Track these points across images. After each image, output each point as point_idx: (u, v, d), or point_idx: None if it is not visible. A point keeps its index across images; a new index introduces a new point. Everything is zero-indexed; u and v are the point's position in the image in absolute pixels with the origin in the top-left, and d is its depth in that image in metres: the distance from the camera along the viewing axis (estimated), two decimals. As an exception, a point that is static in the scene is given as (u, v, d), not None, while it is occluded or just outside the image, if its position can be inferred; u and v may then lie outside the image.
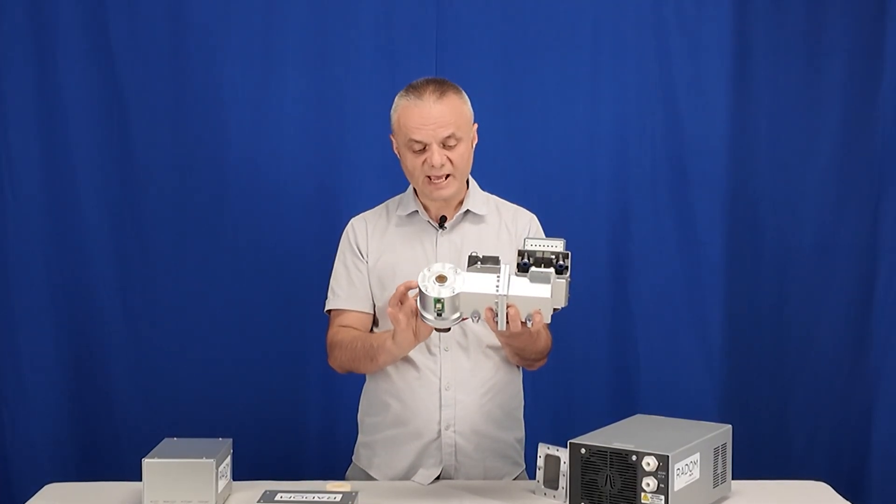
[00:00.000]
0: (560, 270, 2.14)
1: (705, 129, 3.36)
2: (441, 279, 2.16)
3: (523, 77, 3.34)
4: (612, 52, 3.35)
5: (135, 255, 3.31)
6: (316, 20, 3.30)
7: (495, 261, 2.17)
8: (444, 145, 2.40)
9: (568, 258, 2.15)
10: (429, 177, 2.43)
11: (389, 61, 3.29)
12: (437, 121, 2.39)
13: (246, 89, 3.30)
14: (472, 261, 2.18)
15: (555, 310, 2.17)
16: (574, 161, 3.36)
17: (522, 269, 2.15)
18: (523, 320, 2.15)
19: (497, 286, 2.13)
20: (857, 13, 3.32)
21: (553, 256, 2.15)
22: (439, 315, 2.16)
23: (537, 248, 2.16)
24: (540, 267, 2.14)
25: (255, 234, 3.32)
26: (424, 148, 2.41)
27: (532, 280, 2.13)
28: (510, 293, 2.13)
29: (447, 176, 2.42)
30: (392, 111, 2.48)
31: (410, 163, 2.44)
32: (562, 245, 2.17)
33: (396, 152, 2.51)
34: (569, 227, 3.21)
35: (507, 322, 2.14)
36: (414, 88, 2.44)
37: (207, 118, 3.29)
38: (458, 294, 2.14)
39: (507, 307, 2.13)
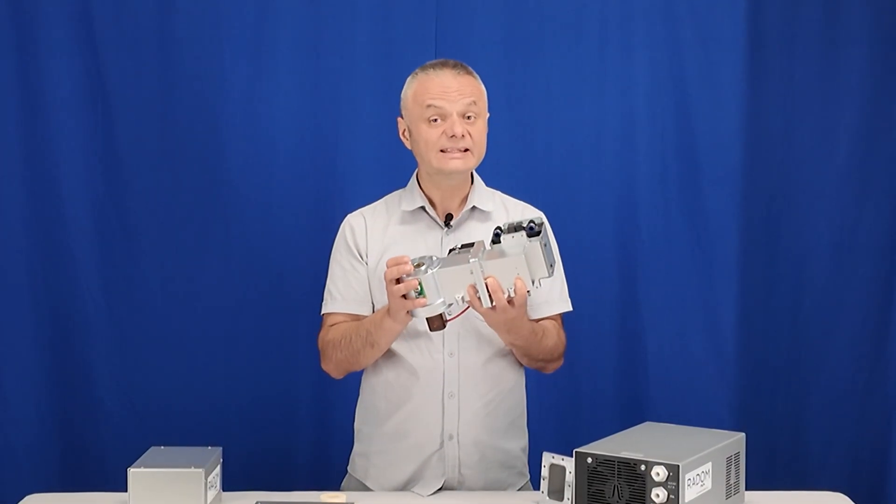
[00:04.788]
0: (532, 233, 2.17)
1: (718, 123, 3.36)
2: (419, 266, 2.23)
3: (527, 70, 3.34)
4: (621, 43, 3.34)
5: (120, 255, 3.30)
6: (311, 10, 3.30)
7: (472, 245, 2.25)
8: (464, 117, 2.42)
9: (542, 224, 2.19)
10: (443, 151, 2.43)
11: (387, 53, 3.29)
12: (458, 89, 2.42)
13: (237, 82, 3.29)
14: (451, 251, 2.27)
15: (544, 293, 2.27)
16: (581, 157, 3.36)
17: (495, 241, 2.22)
18: (507, 295, 2.19)
19: (470, 258, 2.19)
20: (875, 1, 3.32)
21: (525, 223, 2.19)
22: (420, 294, 2.21)
23: (510, 224, 2.23)
24: (511, 233, 2.20)
25: (246, 234, 3.32)
26: (442, 119, 2.41)
27: (505, 247, 2.20)
28: (484, 260, 2.18)
29: (464, 151, 2.43)
30: (404, 89, 2.49)
31: (425, 135, 2.43)
32: (538, 218, 2.22)
33: (403, 136, 2.51)
34: (575, 225, 3.24)
35: (490, 298, 2.18)
36: (431, 65, 2.47)
37: (197, 113, 3.28)
38: (435, 273, 2.20)
39: (486, 279, 2.18)
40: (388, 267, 2.25)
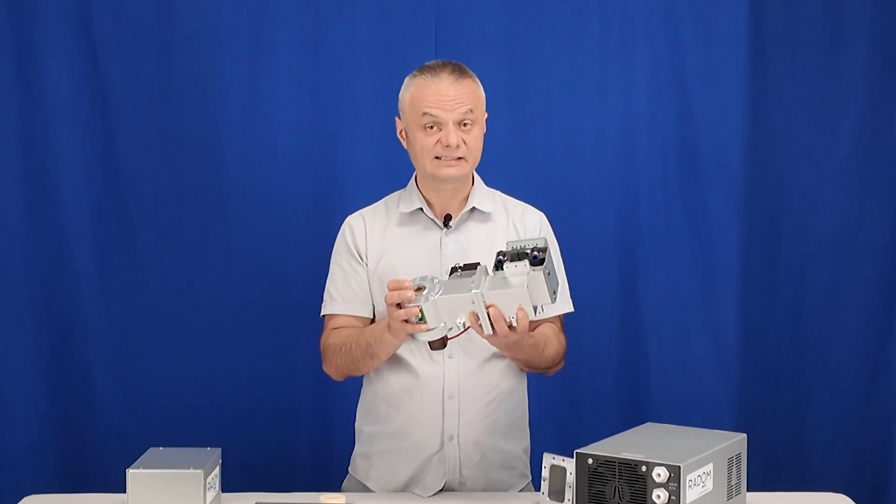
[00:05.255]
0: (536, 262, 2.16)
1: (719, 123, 3.36)
2: (420, 290, 2.21)
3: (528, 69, 3.34)
4: (622, 42, 3.34)
5: (119, 255, 3.30)
6: (310, 9, 3.30)
7: (475, 266, 2.23)
8: (460, 125, 2.41)
9: (545, 251, 2.17)
10: (437, 157, 2.43)
11: (386, 54, 3.29)
12: (455, 98, 2.41)
13: (236, 82, 3.29)
14: (453, 271, 2.25)
15: (539, 309, 2.22)
16: (581, 156, 3.36)
17: (498, 267, 2.19)
18: (508, 322, 2.18)
19: (472, 286, 2.17)
20: (877, 0, 3.32)
21: (528, 251, 2.17)
22: (421, 321, 2.21)
23: (513, 247, 2.21)
24: (515, 261, 2.17)
25: (245, 234, 3.32)
26: (438, 127, 2.41)
27: (508, 275, 2.18)
28: (486, 290, 2.17)
29: (458, 158, 2.43)
30: (402, 90, 2.49)
31: (420, 142, 2.43)
32: (542, 242, 2.20)
33: (400, 136, 2.51)
34: (575, 225, 3.24)
35: (492, 325, 2.17)
36: (429, 68, 2.46)
37: (196, 112, 3.28)
38: (436, 300, 2.19)
39: (488, 308, 2.17)
40: (389, 290, 2.25)
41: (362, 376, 2.58)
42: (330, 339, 2.50)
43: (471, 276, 2.21)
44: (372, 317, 2.53)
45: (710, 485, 2.16)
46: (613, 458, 2.13)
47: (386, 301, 2.25)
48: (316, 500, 2.32)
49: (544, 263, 2.16)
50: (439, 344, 2.27)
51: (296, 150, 3.33)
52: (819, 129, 3.38)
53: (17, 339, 3.28)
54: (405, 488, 2.50)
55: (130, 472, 2.18)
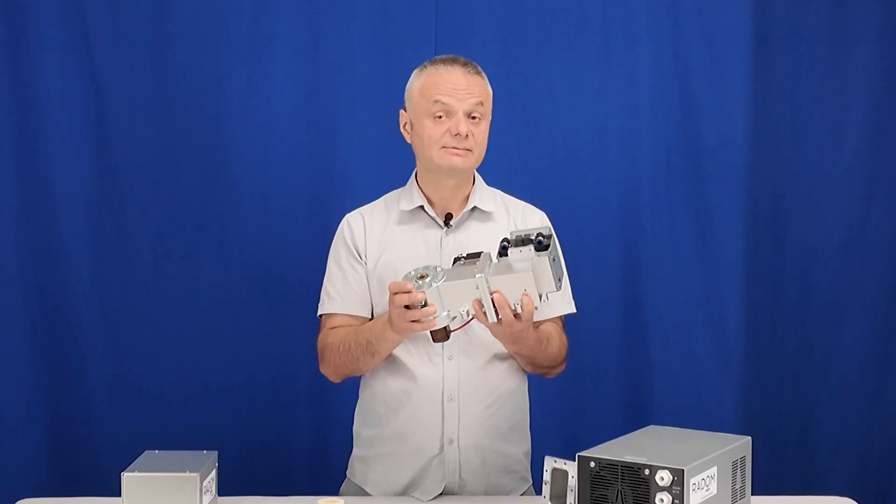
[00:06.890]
0: (540, 248, 2.16)
1: (723, 120, 3.36)
2: (423, 277, 2.21)
3: (529, 67, 3.34)
4: (624, 39, 3.34)
5: (114, 256, 3.30)
6: (308, 6, 3.30)
7: (478, 255, 2.23)
8: (469, 116, 2.42)
9: (550, 237, 2.18)
10: (444, 147, 2.43)
11: (386, 50, 3.29)
12: (466, 88, 2.43)
13: (234, 79, 3.29)
14: (456, 260, 2.25)
15: (543, 297, 2.21)
16: (583, 155, 3.36)
17: (502, 254, 2.19)
18: (513, 309, 2.18)
19: (476, 272, 2.17)
20: (884, -5, 3.33)
21: (533, 236, 2.18)
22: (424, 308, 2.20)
23: (517, 234, 2.21)
24: (519, 246, 2.17)
25: (242, 234, 3.32)
26: (447, 116, 2.42)
27: (512, 261, 2.18)
28: (490, 275, 2.17)
29: (466, 150, 2.43)
30: (411, 81, 2.50)
31: (428, 131, 2.44)
32: (546, 230, 2.21)
33: (404, 129, 2.52)
34: (577, 225, 3.24)
35: (496, 312, 2.17)
36: (442, 60, 2.48)
37: (193, 110, 3.28)
38: (439, 287, 2.19)
39: (492, 294, 2.16)
40: (391, 293, 2.24)
41: (360, 380, 2.58)
42: (328, 338, 2.50)
43: (474, 264, 2.21)
44: (370, 316, 2.52)
45: (714, 488, 2.16)
46: (616, 462, 2.12)
47: (393, 304, 2.24)
48: (313, 504, 2.32)
49: (549, 249, 2.16)
50: (442, 335, 2.26)
51: (294, 149, 3.33)
52: (824, 127, 3.38)
53: (10, 340, 3.28)
54: (404, 492, 2.50)
55: (125, 475, 2.18)
